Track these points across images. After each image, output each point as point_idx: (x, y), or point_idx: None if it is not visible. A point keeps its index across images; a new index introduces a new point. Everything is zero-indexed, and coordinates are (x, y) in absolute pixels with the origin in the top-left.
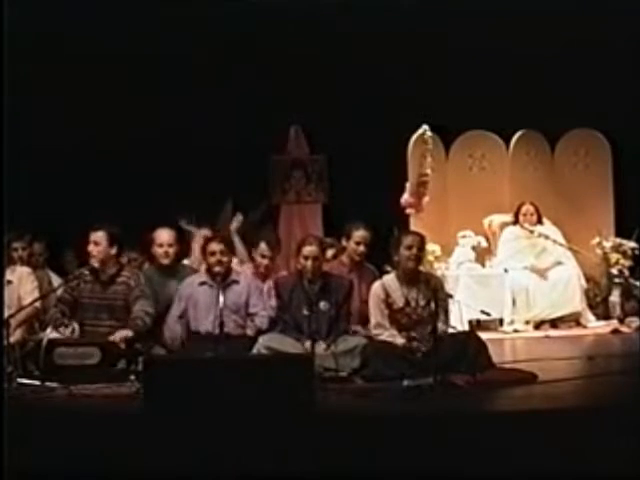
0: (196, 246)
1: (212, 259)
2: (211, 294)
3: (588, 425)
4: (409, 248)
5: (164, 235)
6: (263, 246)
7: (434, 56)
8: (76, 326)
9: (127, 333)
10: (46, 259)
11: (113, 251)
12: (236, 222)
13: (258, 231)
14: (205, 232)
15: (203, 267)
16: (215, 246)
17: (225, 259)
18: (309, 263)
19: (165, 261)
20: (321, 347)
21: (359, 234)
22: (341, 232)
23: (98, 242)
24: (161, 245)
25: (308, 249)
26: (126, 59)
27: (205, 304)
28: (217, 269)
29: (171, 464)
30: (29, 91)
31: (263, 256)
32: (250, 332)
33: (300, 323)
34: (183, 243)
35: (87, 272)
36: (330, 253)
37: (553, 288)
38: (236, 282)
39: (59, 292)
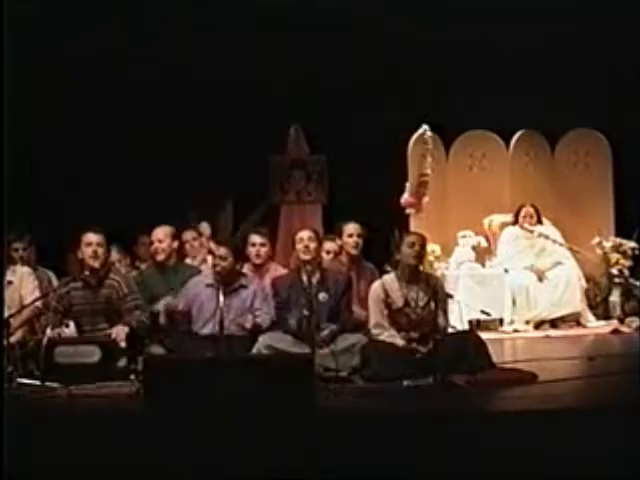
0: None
1: (214, 261)
2: (215, 296)
3: (588, 425)
4: (411, 246)
5: (155, 232)
6: (252, 235)
7: (434, 56)
8: (72, 325)
9: (125, 329)
10: (43, 258)
11: (108, 254)
12: (204, 235)
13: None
14: (191, 232)
15: (209, 268)
16: (216, 250)
17: (223, 264)
18: (303, 244)
19: (158, 257)
20: (321, 334)
21: (349, 227)
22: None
23: (101, 244)
24: (152, 242)
25: (301, 233)
26: (126, 58)
27: (210, 306)
28: (217, 271)
29: (171, 464)
30: (30, 91)
31: (253, 244)
32: (248, 325)
33: (300, 320)
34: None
35: (94, 279)
36: (329, 246)
37: (553, 288)
38: (244, 287)
39: (51, 302)
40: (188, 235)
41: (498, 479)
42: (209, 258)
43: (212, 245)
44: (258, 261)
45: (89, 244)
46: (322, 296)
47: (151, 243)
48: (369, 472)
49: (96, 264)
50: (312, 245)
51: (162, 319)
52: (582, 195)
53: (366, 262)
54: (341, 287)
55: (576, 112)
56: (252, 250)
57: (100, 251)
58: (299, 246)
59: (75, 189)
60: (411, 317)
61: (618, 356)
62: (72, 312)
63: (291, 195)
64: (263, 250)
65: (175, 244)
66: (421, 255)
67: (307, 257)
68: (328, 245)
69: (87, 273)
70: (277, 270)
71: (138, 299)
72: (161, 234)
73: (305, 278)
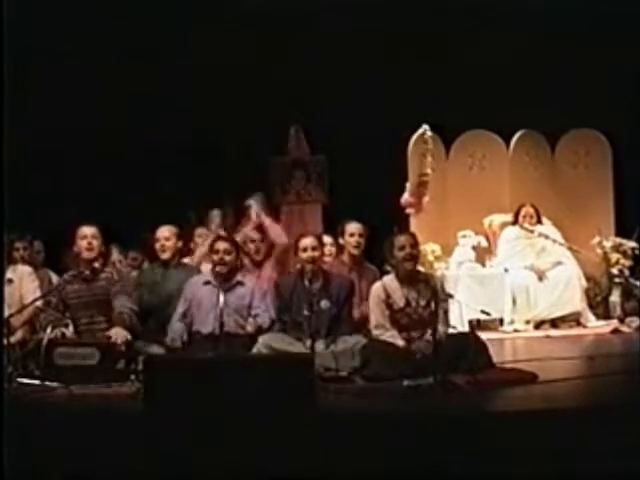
0: (197, 245)
1: (215, 258)
2: (214, 294)
3: (588, 425)
4: (402, 249)
5: (160, 230)
6: (251, 232)
7: (434, 56)
8: (71, 326)
9: (124, 334)
10: (44, 258)
11: (104, 248)
12: (214, 224)
13: None
14: (202, 231)
15: (208, 267)
16: (220, 245)
17: (228, 258)
18: (307, 254)
19: (163, 255)
20: (321, 346)
21: (351, 226)
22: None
23: (96, 236)
24: (157, 240)
25: (304, 241)
26: (126, 58)
27: (208, 304)
28: (219, 268)
29: (171, 464)
30: (29, 91)
31: (253, 241)
32: (250, 328)
33: (301, 323)
34: (184, 240)
35: (89, 271)
36: (329, 250)
37: (553, 288)
38: (241, 284)
39: (51, 299)
40: (200, 231)
41: (498, 479)
42: (214, 257)
43: (218, 243)
44: (257, 257)
45: (84, 237)
46: (324, 303)
47: (156, 241)
48: (369, 472)
49: (91, 256)
50: (316, 254)
51: (177, 344)
52: (582, 195)
53: (368, 264)
54: (343, 293)
55: (576, 112)
56: (251, 246)
57: (95, 243)
58: (303, 255)
59: (75, 189)
60: (412, 317)
61: (618, 356)
62: (67, 306)
63: (291, 195)
64: (262, 246)
65: (179, 244)
66: (414, 255)
67: (312, 267)
68: (328, 249)
69: (83, 268)
70: (274, 267)
71: (126, 286)
72: (167, 232)
73: (307, 283)
